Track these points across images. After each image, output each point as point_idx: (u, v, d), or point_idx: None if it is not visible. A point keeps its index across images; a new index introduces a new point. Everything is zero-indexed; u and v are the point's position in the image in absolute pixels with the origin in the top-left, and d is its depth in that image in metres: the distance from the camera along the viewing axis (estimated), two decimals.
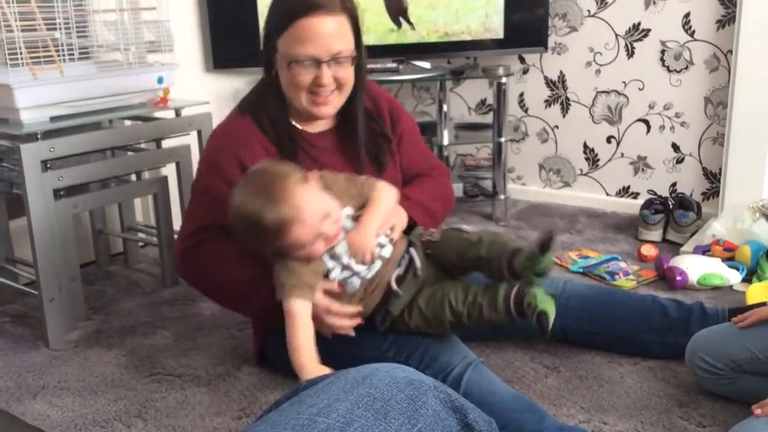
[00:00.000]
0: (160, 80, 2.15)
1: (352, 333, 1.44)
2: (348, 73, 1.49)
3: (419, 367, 1.38)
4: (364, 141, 1.60)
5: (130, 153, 2.20)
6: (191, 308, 2.12)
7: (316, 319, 1.38)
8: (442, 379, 1.38)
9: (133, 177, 2.27)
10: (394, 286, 1.43)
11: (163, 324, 2.02)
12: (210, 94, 2.62)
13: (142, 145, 2.22)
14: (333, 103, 1.51)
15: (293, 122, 1.58)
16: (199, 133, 2.20)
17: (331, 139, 1.59)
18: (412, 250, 1.47)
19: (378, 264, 1.43)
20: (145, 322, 2.03)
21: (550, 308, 1.34)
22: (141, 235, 2.49)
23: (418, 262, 1.45)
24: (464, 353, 1.45)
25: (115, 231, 2.50)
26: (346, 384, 0.79)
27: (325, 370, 1.24)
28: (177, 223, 2.26)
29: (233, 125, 1.57)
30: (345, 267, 1.40)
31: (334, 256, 1.39)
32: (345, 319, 1.42)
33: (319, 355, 1.57)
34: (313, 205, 1.31)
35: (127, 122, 2.23)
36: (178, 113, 2.20)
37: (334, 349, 1.53)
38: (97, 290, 2.28)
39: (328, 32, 1.41)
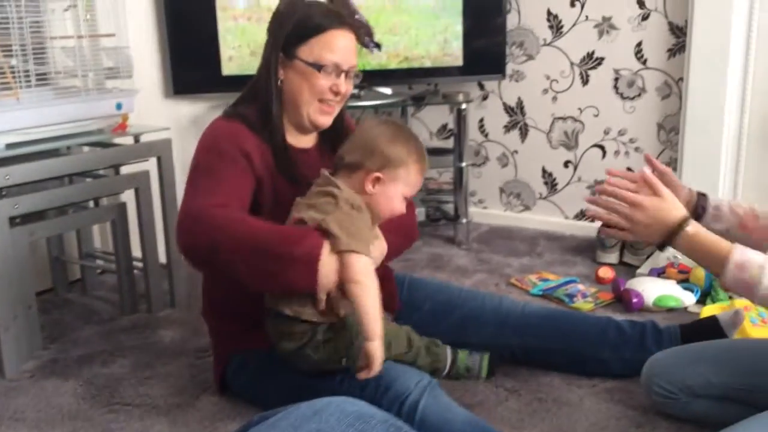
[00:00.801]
0: (118, 106, 2.14)
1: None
2: (351, 88, 1.62)
3: (375, 395, 1.39)
4: None
5: (88, 179, 2.18)
6: (150, 336, 2.09)
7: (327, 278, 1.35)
8: (398, 406, 1.37)
9: (91, 203, 2.24)
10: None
11: (122, 352, 1.99)
12: (170, 120, 2.61)
13: (101, 172, 2.20)
14: (333, 114, 1.62)
15: None
16: (159, 159, 2.19)
17: (313, 155, 1.65)
18: None
19: None
20: (102, 351, 2.00)
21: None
22: (99, 262, 2.46)
23: None
24: (418, 377, 1.44)
25: (72, 258, 2.47)
26: (296, 420, 0.79)
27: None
28: (136, 250, 2.24)
29: (225, 125, 1.58)
30: None
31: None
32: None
33: (272, 388, 1.57)
34: None
35: (86, 148, 2.21)
36: (137, 139, 2.19)
37: (287, 381, 1.53)
38: (54, 318, 2.24)
39: (350, 46, 1.57)
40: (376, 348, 1.33)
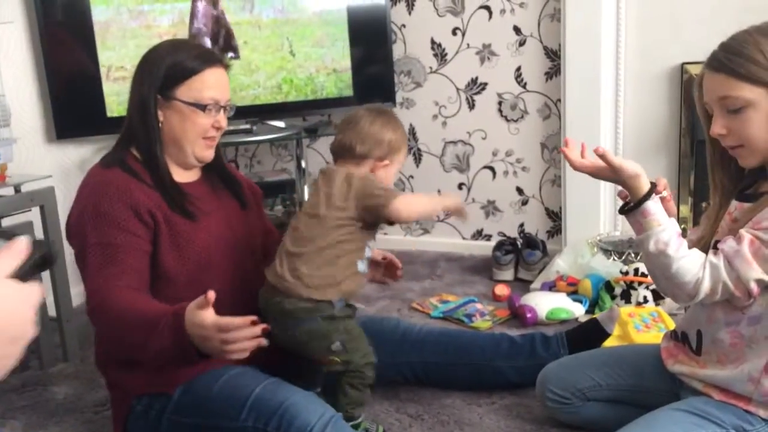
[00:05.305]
0: None
1: (245, 354, 1.34)
2: (226, 121, 1.66)
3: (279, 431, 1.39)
4: (227, 183, 1.73)
5: None
6: (42, 394, 2.00)
7: (210, 342, 1.33)
8: None
9: None
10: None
11: (12, 414, 1.89)
12: (54, 166, 2.52)
13: None
14: (214, 146, 1.65)
15: None
16: (42, 208, 2.11)
17: (201, 187, 1.66)
18: None
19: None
20: None
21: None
22: None
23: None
24: (321, 410, 1.44)
25: None
26: None
27: None
28: None
29: (105, 177, 1.56)
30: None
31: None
32: (242, 330, 1.33)
33: (180, 428, 1.54)
34: None
35: None
36: (17, 189, 2.11)
37: (195, 420, 1.51)
38: None
39: (224, 82, 1.62)
40: (451, 200, 1.69)
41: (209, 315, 1.31)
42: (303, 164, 3.00)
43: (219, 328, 1.31)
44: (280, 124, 2.88)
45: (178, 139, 1.59)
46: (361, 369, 1.58)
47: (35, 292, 0.65)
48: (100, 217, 1.51)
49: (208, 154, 1.63)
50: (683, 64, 2.50)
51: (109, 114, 2.60)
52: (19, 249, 0.65)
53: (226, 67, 1.64)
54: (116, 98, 2.60)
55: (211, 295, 1.30)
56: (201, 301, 1.32)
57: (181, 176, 1.64)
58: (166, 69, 1.57)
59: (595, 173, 1.40)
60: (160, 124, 1.59)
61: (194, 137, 1.59)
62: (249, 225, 1.73)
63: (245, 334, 1.31)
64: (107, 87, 2.59)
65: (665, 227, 1.30)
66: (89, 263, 1.52)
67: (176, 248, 1.55)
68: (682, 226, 2.56)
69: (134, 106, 1.60)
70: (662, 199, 1.36)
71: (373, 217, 1.53)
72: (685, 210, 2.60)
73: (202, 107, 1.56)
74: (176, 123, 1.58)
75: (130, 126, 1.61)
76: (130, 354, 1.52)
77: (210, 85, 1.58)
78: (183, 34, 2.64)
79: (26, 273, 0.65)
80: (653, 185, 1.34)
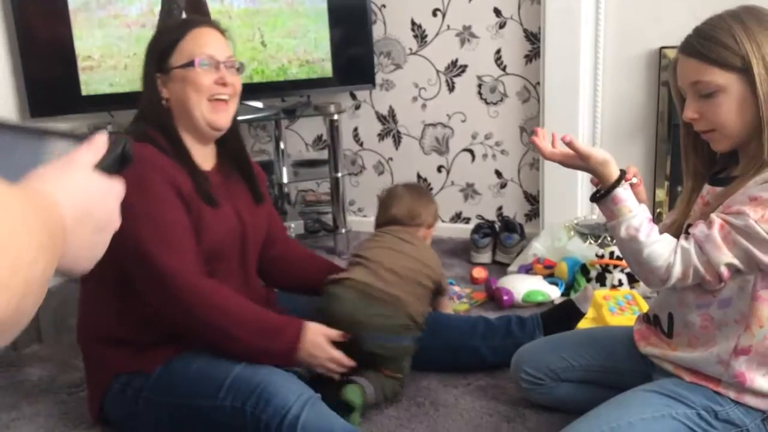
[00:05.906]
0: None
1: (337, 376, 1.60)
2: (239, 81, 1.64)
3: (256, 411, 1.40)
4: (244, 175, 1.72)
5: None
6: (16, 375, 1.98)
7: (315, 360, 1.55)
8: (278, 421, 1.37)
9: None
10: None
11: None
12: None
13: None
14: (229, 110, 1.62)
15: None
16: None
17: (215, 178, 1.65)
18: None
19: None
20: None
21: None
22: None
23: None
24: (299, 390, 1.44)
25: None
26: None
27: None
28: None
29: (138, 151, 1.52)
30: None
31: None
32: (340, 367, 1.60)
33: (156, 407, 1.54)
34: None
35: None
36: None
37: (172, 400, 1.51)
38: None
39: (220, 39, 1.63)
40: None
41: (330, 345, 1.57)
42: (282, 145, 2.98)
43: (333, 358, 1.57)
44: (258, 104, 2.85)
45: (185, 106, 1.58)
46: (402, 381, 1.72)
47: (118, 185, 0.67)
48: (145, 191, 1.47)
49: (218, 118, 1.60)
50: (662, 48, 2.51)
51: (84, 92, 2.56)
52: (100, 143, 0.66)
53: (220, 30, 1.64)
54: (85, 87, 2.56)
55: (343, 337, 1.59)
56: (335, 333, 1.58)
57: (199, 160, 1.63)
58: (158, 49, 1.61)
59: (565, 162, 1.40)
60: (165, 102, 1.60)
61: (197, 98, 1.57)
62: (258, 220, 1.73)
63: (340, 370, 1.59)
64: (82, 65, 2.55)
65: (636, 213, 1.31)
66: (143, 236, 1.46)
67: (197, 227, 1.54)
68: (658, 210, 2.60)
69: (145, 96, 1.62)
70: (632, 186, 1.37)
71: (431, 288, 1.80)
72: (662, 194, 2.62)
73: (193, 62, 1.57)
74: (179, 90, 1.59)
75: (142, 111, 1.63)
76: (212, 340, 1.52)
77: (199, 43, 1.59)
78: (151, 24, 2.58)
79: (108, 167, 0.66)
80: (623, 172, 1.34)
